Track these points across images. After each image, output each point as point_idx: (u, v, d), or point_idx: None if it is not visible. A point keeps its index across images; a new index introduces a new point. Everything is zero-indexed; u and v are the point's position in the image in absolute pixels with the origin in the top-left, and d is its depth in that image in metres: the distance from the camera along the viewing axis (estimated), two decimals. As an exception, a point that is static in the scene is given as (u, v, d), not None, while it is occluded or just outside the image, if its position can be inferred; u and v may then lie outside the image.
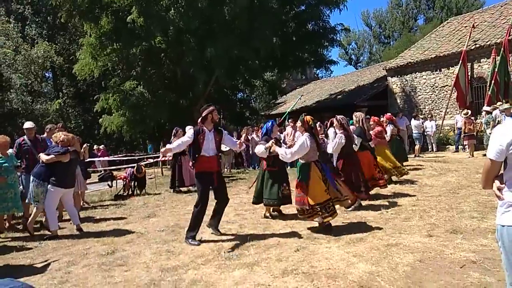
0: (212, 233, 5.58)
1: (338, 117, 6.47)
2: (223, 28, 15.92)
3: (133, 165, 10.60)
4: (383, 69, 21.06)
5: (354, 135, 6.82)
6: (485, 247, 4.26)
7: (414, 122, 14.81)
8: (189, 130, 5.51)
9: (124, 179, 10.03)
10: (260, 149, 5.82)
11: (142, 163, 11.27)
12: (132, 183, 10.04)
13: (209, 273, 4.11)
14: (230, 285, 3.78)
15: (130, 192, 9.96)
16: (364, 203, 6.77)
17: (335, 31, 20.79)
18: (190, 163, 5.60)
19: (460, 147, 14.64)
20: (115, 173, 11.16)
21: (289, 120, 12.72)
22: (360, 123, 7.36)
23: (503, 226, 2.16)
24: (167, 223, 6.53)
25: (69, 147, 6.10)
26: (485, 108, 12.74)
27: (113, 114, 18.29)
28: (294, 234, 5.26)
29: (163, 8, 15.65)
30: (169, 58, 18.50)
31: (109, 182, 10.48)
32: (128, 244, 5.43)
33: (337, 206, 5.42)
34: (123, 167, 12.50)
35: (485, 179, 2.28)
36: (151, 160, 14.11)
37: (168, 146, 5.48)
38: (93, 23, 16.25)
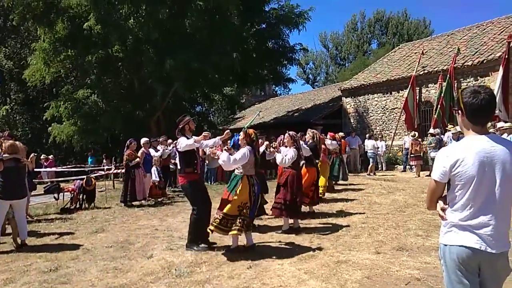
0: (168, 245, 5.59)
1: (291, 132, 6.46)
2: (183, 41, 15.88)
3: (83, 177, 10.15)
4: (338, 89, 21.79)
5: (304, 148, 6.93)
6: (428, 265, 4.45)
7: (369, 142, 15.45)
8: (190, 139, 5.43)
9: (72, 192, 9.56)
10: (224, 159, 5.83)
11: (92, 175, 10.81)
12: (81, 196, 9.59)
13: (158, 291, 3.99)
14: (179, 304, 3.69)
15: (77, 206, 9.49)
16: (317, 220, 6.89)
17: (294, 50, 21.40)
18: (187, 171, 5.49)
19: (407, 167, 15.37)
20: (62, 185, 10.64)
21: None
22: (315, 139, 7.61)
23: (446, 245, 2.25)
24: (116, 239, 6.28)
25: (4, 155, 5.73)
26: (430, 130, 13.56)
27: (64, 123, 17.56)
28: (247, 251, 5.23)
29: (122, 17, 15.39)
30: (126, 67, 18.12)
31: (56, 195, 9.93)
32: (73, 260, 5.16)
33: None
34: (71, 179, 11.94)
35: (429, 200, 2.38)
36: (102, 172, 13.58)
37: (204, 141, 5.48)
38: (47, 27, 15.66)
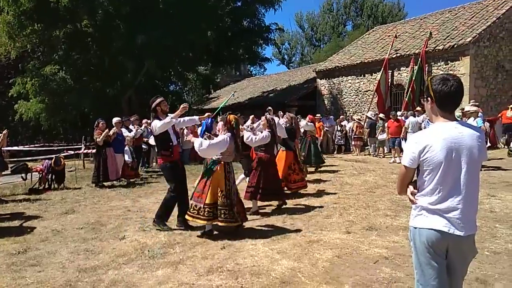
0: (141, 226, 5.63)
1: (268, 116, 6.52)
2: (156, 17, 15.41)
3: (51, 156, 9.85)
4: (313, 70, 21.87)
5: (280, 128, 6.98)
6: (396, 244, 4.62)
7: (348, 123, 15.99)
8: (166, 118, 5.40)
9: (40, 172, 9.28)
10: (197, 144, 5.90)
11: (62, 155, 10.50)
12: (49, 176, 9.33)
13: (130, 273, 3.98)
14: (152, 285, 3.69)
15: (46, 186, 9.24)
16: (290, 201, 6.99)
17: (270, 30, 21.25)
18: (164, 154, 5.48)
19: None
20: (30, 164, 10.30)
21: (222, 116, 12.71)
22: (293, 123, 7.67)
23: (415, 228, 2.34)
24: (87, 220, 6.18)
25: None
26: (368, 114, 14.76)
27: (31, 100, 16.88)
28: (221, 232, 5.25)
29: (92, -10, 14.74)
30: (96, 43, 17.47)
31: (23, 175, 9.62)
32: (42, 242, 5.06)
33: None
34: (39, 158, 11.58)
35: (400, 185, 2.46)
36: (72, 152, 13.22)
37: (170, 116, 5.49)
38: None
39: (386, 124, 13.04)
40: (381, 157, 13.69)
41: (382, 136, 13.49)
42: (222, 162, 5.08)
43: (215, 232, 5.16)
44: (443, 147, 2.19)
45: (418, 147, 2.24)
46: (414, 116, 12.58)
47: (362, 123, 15.00)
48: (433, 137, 2.23)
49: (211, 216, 4.95)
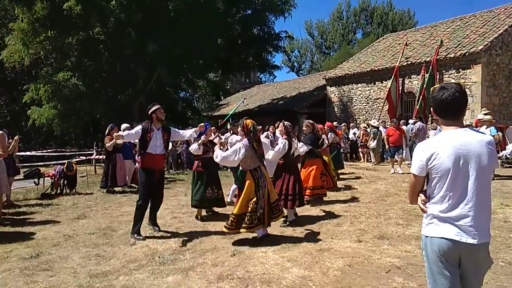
0: (152, 232, 5.66)
1: (286, 123, 6.27)
2: (167, 25, 15.57)
3: (63, 161, 9.96)
4: (323, 78, 21.85)
5: (302, 142, 6.78)
6: (408, 253, 4.56)
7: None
8: (138, 126, 5.59)
9: (53, 177, 9.38)
10: (193, 147, 6.14)
11: (74, 160, 10.62)
12: (61, 181, 9.43)
13: (141, 278, 3.98)
14: (163, 291, 3.69)
15: (58, 191, 9.34)
16: (299, 209, 6.93)
17: (279, 37, 21.33)
18: (138, 158, 5.57)
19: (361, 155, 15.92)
20: (42, 169, 10.42)
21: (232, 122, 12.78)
22: (314, 130, 7.31)
23: (427, 237, 2.31)
24: (98, 225, 6.22)
25: None
26: (371, 122, 14.71)
27: (44, 106, 17.10)
28: (231, 238, 5.25)
29: (104, -2, 14.96)
30: (108, 50, 17.68)
31: (36, 180, 9.74)
32: (54, 247, 5.10)
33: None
34: (51, 164, 11.70)
35: (411, 194, 2.44)
36: (84, 158, 13.35)
37: (120, 133, 5.74)
38: (25, 7, 15.06)
39: (384, 132, 12.77)
40: (374, 164, 13.70)
41: (372, 144, 13.56)
42: (248, 171, 5.01)
43: (223, 239, 5.16)
44: (450, 153, 2.18)
45: (426, 155, 2.24)
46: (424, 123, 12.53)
47: (368, 131, 14.85)
48: (440, 144, 2.23)
49: (233, 226, 4.93)
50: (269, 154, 5.79)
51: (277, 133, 6.52)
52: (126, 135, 5.64)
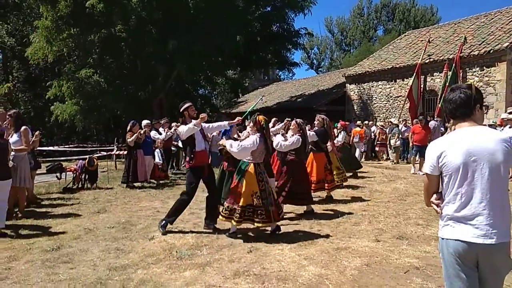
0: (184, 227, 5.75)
1: (298, 120, 6.36)
2: (187, 22, 15.69)
3: (85, 156, 10.16)
4: (342, 75, 21.62)
5: (312, 133, 6.95)
6: (428, 254, 4.48)
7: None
8: (189, 124, 5.43)
9: (74, 171, 9.59)
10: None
11: (95, 155, 10.82)
12: (83, 176, 9.63)
13: (159, 273, 4.04)
14: (180, 285, 3.73)
15: (80, 186, 9.54)
16: (317, 207, 6.91)
17: (299, 34, 21.16)
18: (187, 159, 5.54)
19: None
20: (64, 164, 10.66)
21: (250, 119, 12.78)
22: (326, 125, 7.45)
23: (443, 239, 2.26)
24: (118, 220, 6.33)
25: None
26: (392, 120, 14.60)
27: (66, 102, 17.50)
28: (248, 235, 5.27)
29: (125, -4, 15.18)
30: (129, 48, 17.95)
31: (58, 174, 9.97)
32: (75, 240, 5.22)
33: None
34: (73, 158, 11.96)
35: (426, 195, 2.41)
36: (105, 153, 13.60)
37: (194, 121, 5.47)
38: (49, 5, 15.41)
39: (410, 130, 12.49)
40: (394, 163, 13.51)
41: (397, 143, 13.41)
42: (252, 163, 5.11)
43: (239, 235, 5.18)
44: (460, 151, 2.15)
45: (436, 153, 2.24)
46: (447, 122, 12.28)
47: (386, 130, 14.67)
48: (451, 142, 2.22)
49: (243, 218, 4.99)
50: (280, 144, 5.92)
51: (289, 132, 6.54)
52: (210, 127, 5.85)
